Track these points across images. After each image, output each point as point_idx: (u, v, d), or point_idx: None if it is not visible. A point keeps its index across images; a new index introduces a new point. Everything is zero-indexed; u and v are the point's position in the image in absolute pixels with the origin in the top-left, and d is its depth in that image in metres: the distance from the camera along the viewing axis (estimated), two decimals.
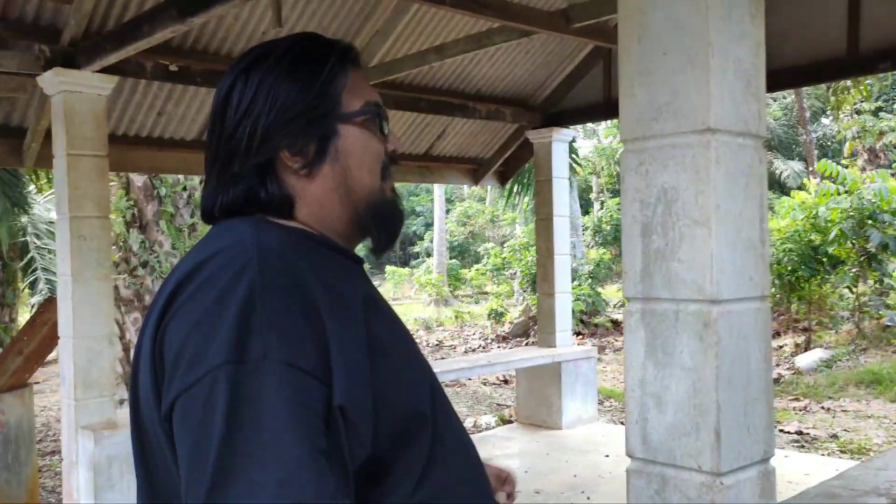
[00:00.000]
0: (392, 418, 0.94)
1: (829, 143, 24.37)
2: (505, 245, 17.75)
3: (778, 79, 4.79)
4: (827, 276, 9.87)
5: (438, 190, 21.66)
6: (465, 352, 12.46)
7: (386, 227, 1.11)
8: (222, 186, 1.04)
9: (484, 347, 12.74)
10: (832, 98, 15.04)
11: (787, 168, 23.62)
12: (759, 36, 1.80)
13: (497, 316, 14.10)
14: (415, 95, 5.93)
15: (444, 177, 7.35)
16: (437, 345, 13.45)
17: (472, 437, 1.28)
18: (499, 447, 6.27)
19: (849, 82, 12.57)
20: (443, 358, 11.63)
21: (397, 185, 1.19)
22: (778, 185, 22.33)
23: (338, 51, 1.08)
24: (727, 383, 1.70)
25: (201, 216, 1.09)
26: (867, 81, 13.20)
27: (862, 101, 16.21)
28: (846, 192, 9.68)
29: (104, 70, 4.24)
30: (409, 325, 13.99)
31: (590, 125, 22.07)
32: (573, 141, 9.25)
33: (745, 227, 1.74)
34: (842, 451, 6.31)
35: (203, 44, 4.91)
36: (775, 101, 24.05)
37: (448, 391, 5.74)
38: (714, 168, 1.67)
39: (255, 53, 1.07)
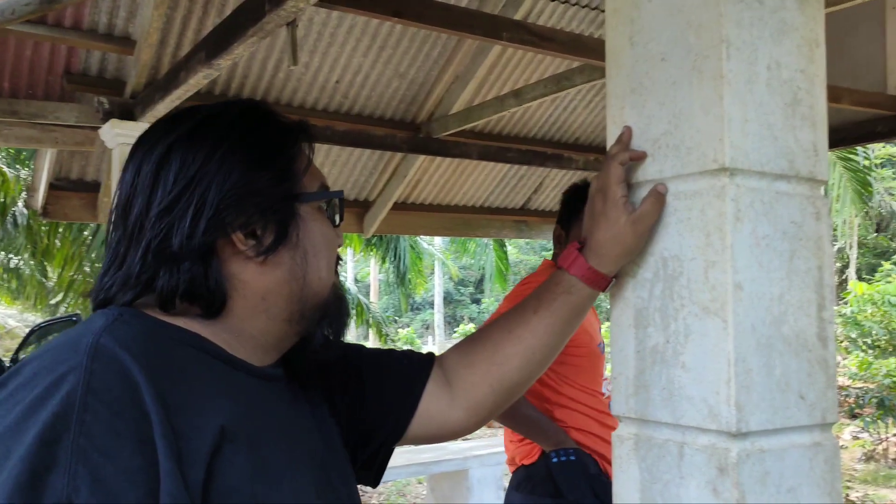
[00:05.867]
0: None
1: None
2: None
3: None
4: None
5: None
6: None
7: (333, 327, 1.00)
8: (147, 268, 0.87)
9: None
10: None
11: None
12: (812, 30, 1.20)
13: None
14: (502, 145, 5.46)
15: (543, 232, 6.77)
16: None
17: None
18: None
19: None
20: None
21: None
22: None
23: (299, 125, 0.98)
24: None
25: (92, 301, 0.91)
26: None
27: None
28: None
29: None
30: None
31: None
32: None
33: (788, 317, 1.12)
34: None
35: (261, 93, 4.71)
36: None
37: None
38: (732, 228, 1.07)
39: (196, 117, 0.93)
